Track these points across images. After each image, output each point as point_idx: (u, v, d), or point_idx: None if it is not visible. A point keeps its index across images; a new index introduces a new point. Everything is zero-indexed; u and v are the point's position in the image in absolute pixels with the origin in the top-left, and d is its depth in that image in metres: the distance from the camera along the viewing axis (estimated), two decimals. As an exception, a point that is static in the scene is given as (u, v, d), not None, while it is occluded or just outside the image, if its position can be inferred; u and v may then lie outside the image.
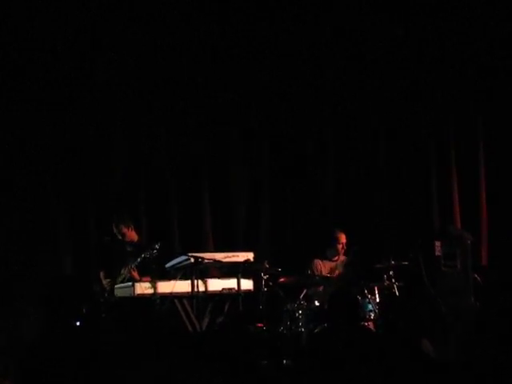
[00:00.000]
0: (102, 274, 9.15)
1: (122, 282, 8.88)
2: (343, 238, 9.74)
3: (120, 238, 9.24)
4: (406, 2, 10.45)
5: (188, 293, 8.50)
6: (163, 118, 10.22)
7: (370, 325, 8.70)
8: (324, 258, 9.81)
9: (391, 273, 9.02)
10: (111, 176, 10.12)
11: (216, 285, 8.77)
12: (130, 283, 8.64)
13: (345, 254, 9.78)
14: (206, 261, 8.55)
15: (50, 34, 9.58)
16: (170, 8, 9.97)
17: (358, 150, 10.72)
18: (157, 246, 8.59)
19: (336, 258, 9.79)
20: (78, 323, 8.66)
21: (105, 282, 9.04)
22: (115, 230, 9.26)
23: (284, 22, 10.33)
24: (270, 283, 8.83)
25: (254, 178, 10.58)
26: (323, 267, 9.72)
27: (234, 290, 8.67)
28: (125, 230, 9.23)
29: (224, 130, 10.47)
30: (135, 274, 8.88)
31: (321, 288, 9.35)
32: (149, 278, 8.77)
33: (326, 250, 9.84)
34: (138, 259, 8.74)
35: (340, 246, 9.72)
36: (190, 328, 8.61)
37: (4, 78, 9.52)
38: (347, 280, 9.24)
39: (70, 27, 9.64)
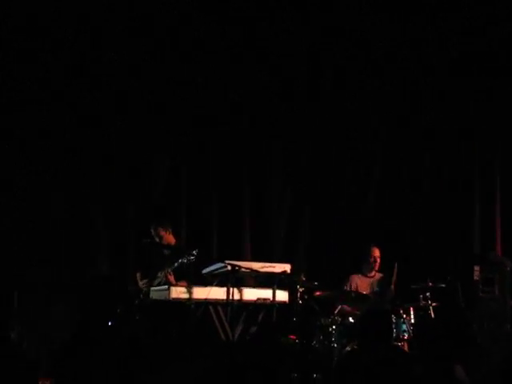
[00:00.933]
0: (138, 276, 9.19)
1: (159, 284, 8.91)
2: (376, 253, 9.73)
3: (158, 240, 9.28)
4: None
5: (223, 300, 8.48)
6: (206, 126, 10.22)
7: (404, 345, 8.64)
8: (361, 273, 9.79)
9: (428, 294, 8.96)
10: (154, 178, 10.16)
11: (251, 294, 8.75)
12: (166, 286, 8.66)
13: (379, 270, 9.75)
14: (242, 269, 8.53)
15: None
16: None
17: (402, 167, 10.67)
18: (194, 252, 8.58)
19: (372, 273, 9.76)
20: (110, 323, 8.70)
21: (141, 283, 9.07)
22: (153, 233, 9.29)
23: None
24: (306, 296, 8.80)
25: (295, 190, 10.56)
26: (360, 283, 9.69)
27: (268, 301, 8.65)
28: (162, 232, 9.27)
29: (265, 141, 10.48)
30: (171, 278, 8.90)
31: (356, 305, 9.30)
32: (185, 283, 8.78)
33: (362, 265, 9.82)
34: (175, 264, 8.75)
35: (372, 260, 9.71)
36: (222, 335, 8.62)
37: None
38: (385, 299, 9.21)
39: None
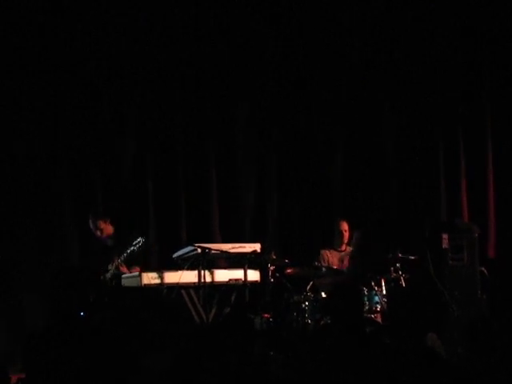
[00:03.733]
0: None
1: (112, 276, 8.82)
2: (345, 226, 9.76)
3: (99, 233, 9.02)
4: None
5: (195, 283, 8.52)
6: (170, 105, 10.15)
7: (377, 317, 8.71)
8: (331, 248, 9.82)
9: (398, 265, 8.99)
10: (120, 164, 10.05)
11: (223, 275, 8.78)
12: (137, 273, 8.62)
13: (349, 244, 9.80)
14: (213, 251, 8.55)
15: (52, 30, 9.56)
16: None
17: (367, 140, 10.67)
18: (140, 240, 8.51)
19: (343, 247, 9.80)
20: (81, 314, 8.63)
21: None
22: (92, 226, 9.05)
23: (290, 19, 10.32)
24: (277, 274, 8.84)
25: (263, 169, 10.53)
26: (331, 258, 9.73)
27: (240, 281, 8.67)
28: (102, 224, 9.04)
29: (233, 119, 10.43)
30: (124, 269, 8.83)
31: (327, 279, 9.33)
32: (138, 269, 8.74)
33: (333, 240, 9.85)
34: (125, 254, 8.63)
35: (342, 235, 9.74)
36: (196, 318, 8.63)
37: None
38: (355, 274, 9.24)
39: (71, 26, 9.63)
